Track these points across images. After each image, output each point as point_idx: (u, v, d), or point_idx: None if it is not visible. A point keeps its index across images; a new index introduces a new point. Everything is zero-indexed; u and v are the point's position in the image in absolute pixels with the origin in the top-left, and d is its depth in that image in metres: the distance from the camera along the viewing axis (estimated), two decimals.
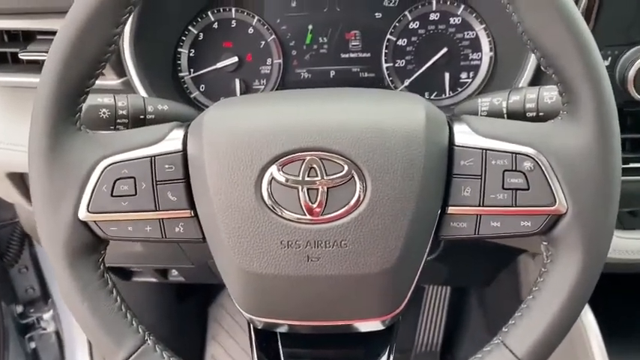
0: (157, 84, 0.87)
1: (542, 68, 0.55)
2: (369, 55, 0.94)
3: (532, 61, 0.81)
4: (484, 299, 1.46)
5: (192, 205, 0.57)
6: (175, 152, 0.56)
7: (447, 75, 0.92)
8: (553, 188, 0.53)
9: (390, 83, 0.94)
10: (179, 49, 0.94)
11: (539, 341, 0.54)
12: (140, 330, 0.58)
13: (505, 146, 0.54)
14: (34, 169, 0.56)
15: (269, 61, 0.94)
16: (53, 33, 0.62)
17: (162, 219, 0.57)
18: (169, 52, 0.93)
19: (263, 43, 0.93)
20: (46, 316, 1.54)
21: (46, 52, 0.55)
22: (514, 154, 0.54)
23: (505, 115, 0.67)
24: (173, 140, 0.57)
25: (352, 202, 0.53)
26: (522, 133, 0.55)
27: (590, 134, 0.53)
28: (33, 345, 1.53)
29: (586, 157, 0.53)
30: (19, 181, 0.99)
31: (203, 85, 0.95)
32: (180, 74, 0.95)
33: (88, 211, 0.56)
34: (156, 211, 0.56)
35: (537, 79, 0.81)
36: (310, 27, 0.93)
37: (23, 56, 0.87)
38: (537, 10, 0.51)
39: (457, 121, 0.57)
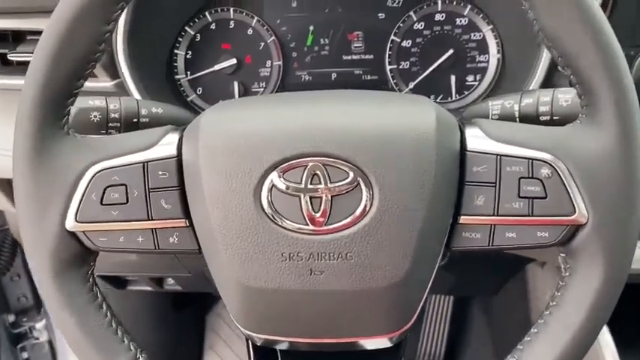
0: (151, 86, 0.85)
1: (560, 68, 0.52)
2: (372, 56, 0.92)
3: (543, 63, 0.79)
4: (488, 308, 1.44)
5: (187, 215, 0.54)
6: (169, 158, 0.54)
7: (452, 78, 0.91)
8: (572, 196, 0.51)
9: (394, 86, 0.93)
10: (175, 51, 0.92)
11: None
12: (132, 347, 0.56)
13: (521, 152, 0.52)
14: (19, 175, 0.54)
15: (269, 63, 0.93)
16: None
17: (156, 229, 0.55)
18: (165, 54, 0.92)
19: (262, 44, 0.92)
20: (39, 325, 1.53)
21: None
22: (530, 160, 0.52)
23: (517, 119, 0.65)
24: (167, 145, 0.55)
25: (358, 211, 0.51)
26: (539, 138, 0.53)
27: (611, 139, 0.50)
28: (25, 355, 1.52)
29: (607, 163, 0.50)
30: (7, 187, 0.97)
31: (200, 88, 0.94)
32: (177, 76, 0.93)
33: (76, 220, 0.54)
34: (148, 220, 0.54)
35: (549, 82, 0.80)
36: (311, 28, 0.92)
37: (12, 57, 0.85)
38: (556, 7, 0.49)
39: (469, 125, 0.55)
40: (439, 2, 0.90)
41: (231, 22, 0.92)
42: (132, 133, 0.58)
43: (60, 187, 0.53)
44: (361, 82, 0.93)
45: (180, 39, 0.92)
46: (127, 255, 1.08)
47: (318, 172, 0.50)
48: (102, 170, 0.53)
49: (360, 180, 0.50)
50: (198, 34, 0.92)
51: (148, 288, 1.31)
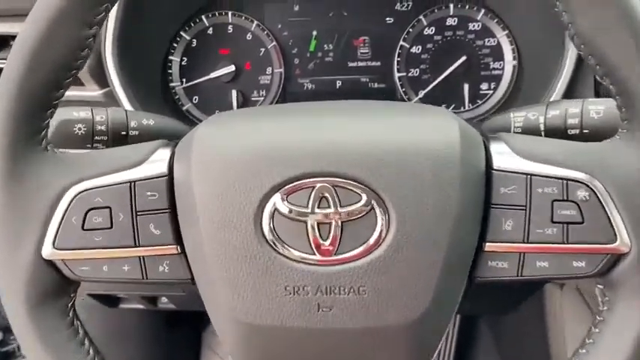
0: (143, 95, 0.83)
1: (598, 78, 0.49)
2: (379, 63, 0.91)
3: (566, 71, 0.77)
4: (498, 327, 1.42)
5: (178, 240, 0.51)
6: (159, 177, 0.51)
7: (465, 86, 0.89)
8: (613, 222, 0.47)
9: (402, 95, 0.91)
10: (170, 57, 0.91)
11: None
12: None
13: (553, 171, 0.48)
14: None
15: (269, 70, 0.91)
16: None
17: (144, 257, 0.51)
18: (159, 60, 0.90)
19: (263, 50, 0.91)
20: None
21: None
22: (565, 181, 0.48)
23: (542, 133, 0.62)
24: (157, 162, 0.51)
25: (372, 239, 0.47)
26: (573, 155, 0.49)
27: None
28: None
29: None
30: None
31: (196, 97, 0.92)
32: (171, 85, 0.91)
33: (54, 247, 0.50)
34: (135, 247, 0.51)
35: (571, 91, 0.77)
36: (314, 33, 0.90)
37: None
38: (595, 9, 0.45)
39: (493, 140, 0.51)
40: (451, 6, 0.90)
41: (230, 27, 0.90)
42: (118, 148, 0.55)
43: (36, 210, 0.49)
44: (368, 91, 0.91)
45: (175, 44, 0.90)
46: None
47: (326, 194, 0.47)
48: (83, 191, 0.50)
49: (375, 203, 0.46)
50: (194, 40, 0.91)
51: (141, 306, 1.27)
